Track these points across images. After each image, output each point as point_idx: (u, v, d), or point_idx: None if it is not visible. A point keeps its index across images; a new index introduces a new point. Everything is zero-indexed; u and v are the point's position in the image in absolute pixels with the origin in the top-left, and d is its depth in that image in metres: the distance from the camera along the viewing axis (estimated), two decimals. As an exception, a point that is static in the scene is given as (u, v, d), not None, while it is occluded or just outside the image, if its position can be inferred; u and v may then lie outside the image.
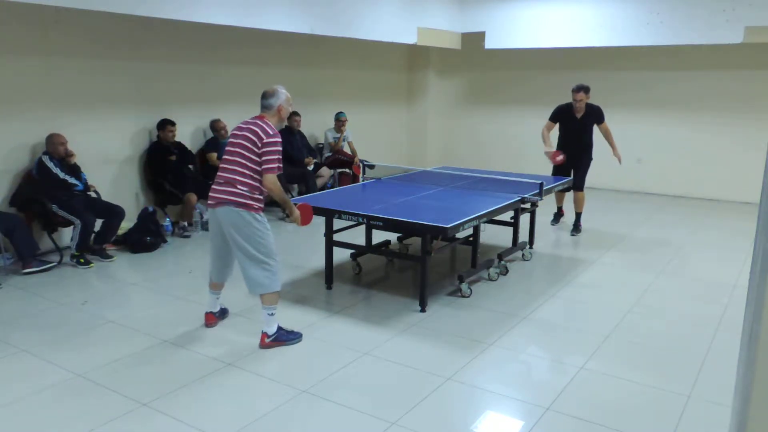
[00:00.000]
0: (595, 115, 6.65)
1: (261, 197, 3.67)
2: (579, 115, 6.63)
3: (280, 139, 3.64)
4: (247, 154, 3.60)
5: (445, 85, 10.84)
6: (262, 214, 3.68)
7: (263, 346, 3.73)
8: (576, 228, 6.84)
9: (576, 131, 6.70)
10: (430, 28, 8.65)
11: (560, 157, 6.47)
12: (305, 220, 3.98)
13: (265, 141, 3.57)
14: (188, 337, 3.87)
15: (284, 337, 3.79)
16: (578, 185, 6.65)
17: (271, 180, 3.61)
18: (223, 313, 4.19)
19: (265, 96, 3.75)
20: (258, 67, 7.73)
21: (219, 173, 3.71)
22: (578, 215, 6.87)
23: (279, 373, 3.42)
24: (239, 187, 3.60)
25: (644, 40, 7.97)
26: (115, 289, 4.92)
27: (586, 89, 6.54)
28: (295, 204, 3.95)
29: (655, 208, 8.15)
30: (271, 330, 3.75)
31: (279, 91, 3.74)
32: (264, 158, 3.58)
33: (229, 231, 3.67)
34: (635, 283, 5.01)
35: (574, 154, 6.69)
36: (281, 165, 3.65)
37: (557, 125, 6.80)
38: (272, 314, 3.74)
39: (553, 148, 6.61)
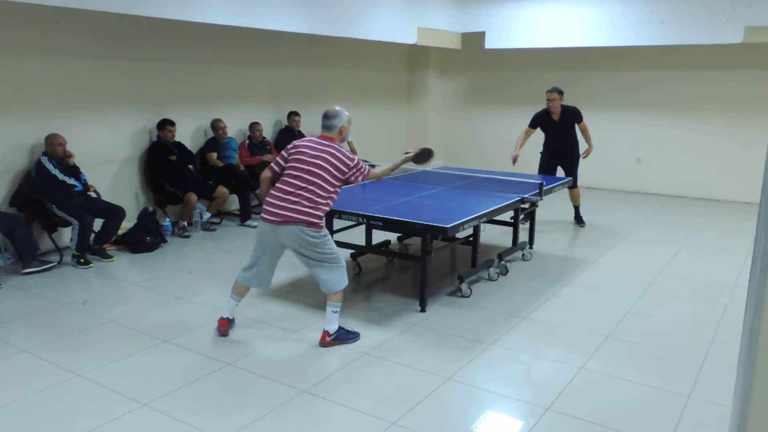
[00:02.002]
0: (572, 116, 6.86)
1: (325, 214, 3.70)
2: (556, 118, 6.83)
3: (356, 157, 3.76)
4: (328, 177, 3.62)
5: (445, 85, 10.84)
6: (324, 227, 3.69)
7: (324, 344, 3.73)
8: (580, 220, 7.09)
9: (557, 133, 6.92)
10: (430, 28, 8.65)
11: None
12: (420, 160, 4.13)
13: (351, 166, 3.70)
14: (188, 337, 3.87)
15: (344, 336, 3.79)
16: (572, 182, 6.79)
17: (373, 174, 3.88)
18: (233, 322, 4.02)
19: (328, 116, 3.78)
20: (258, 67, 7.73)
21: (287, 188, 3.61)
22: (577, 208, 7.12)
23: (279, 373, 3.42)
24: (308, 206, 3.57)
25: (644, 40, 7.97)
26: (115, 289, 4.92)
27: (559, 91, 6.75)
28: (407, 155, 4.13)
29: (655, 208, 8.15)
30: (333, 328, 3.75)
31: (341, 112, 3.79)
32: (356, 176, 3.74)
33: (295, 248, 3.66)
34: (635, 283, 5.01)
35: (560, 155, 6.94)
36: (365, 165, 3.82)
37: (540, 132, 7.01)
38: (336, 312, 3.75)
39: (517, 152, 6.88)
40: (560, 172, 7.02)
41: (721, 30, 7.40)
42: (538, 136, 7.07)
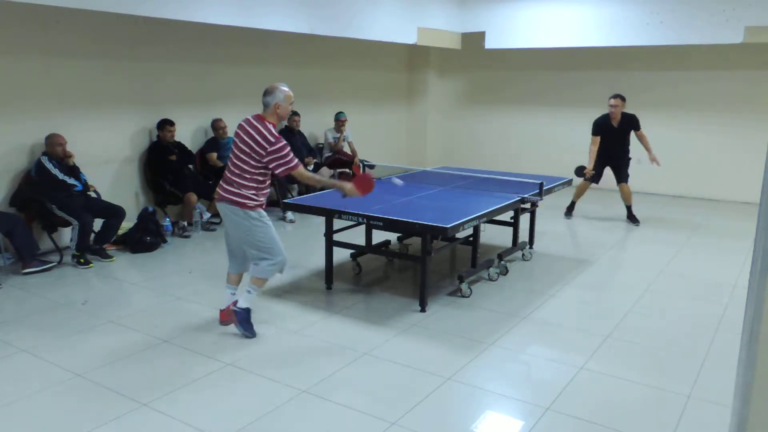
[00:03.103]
0: (631, 123, 7.04)
1: (255, 195, 3.72)
2: (616, 124, 6.98)
3: (283, 141, 3.66)
4: (245, 158, 3.67)
5: (445, 85, 10.83)
6: (258, 210, 3.74)
7: (225, 312, 3.90)
8: (633, 219, 7.20)
9: (614, 140, 7.05)
10: (430, 28, 8.65)
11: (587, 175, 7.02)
12: (364, 189, 4.01)
13: (269, 150, 3.61)
14: (188, 337, 3.87)
15: (242, 320, 3.81)
16: (624, 179, 7.10)
17: (300, 175, 3.78)
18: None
19: (265, 93, 3.77)
20: (258, 66, 7.73)
21: (226, 171, 3.83)
22: (629, 208, 7.25)
23: (279, 373, 3.42)
24: (235, 186, 3.72)
25: (644, 40, 7.97)
26: (115, 289, 4.92)
27: (622, 97, 6.91)
28: (352, 177, 4.06)
29: (655, 208, 8.15)
30: (242, 304, 3.82)
31: (277, 89, 3.72)
32: (275, 164, 3.65)
33: (229, 227, 3.85)
34: (635, 283, 5.01)
35: (613, 159, 7.11)
36: (293, 158, 3.70)
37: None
38: (251, 292, 3.83)
39: (591, 167, 7.01)
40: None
41: (721, 30, 7.40)
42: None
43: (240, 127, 3.76)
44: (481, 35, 9.12)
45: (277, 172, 3.69)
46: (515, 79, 10.08)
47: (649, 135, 9.00)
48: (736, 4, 7.26)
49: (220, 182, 3.83)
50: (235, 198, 3.70)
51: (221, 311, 4.02)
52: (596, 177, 7.11)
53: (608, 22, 8.16)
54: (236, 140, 3.76)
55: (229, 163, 3.78)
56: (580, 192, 7.38)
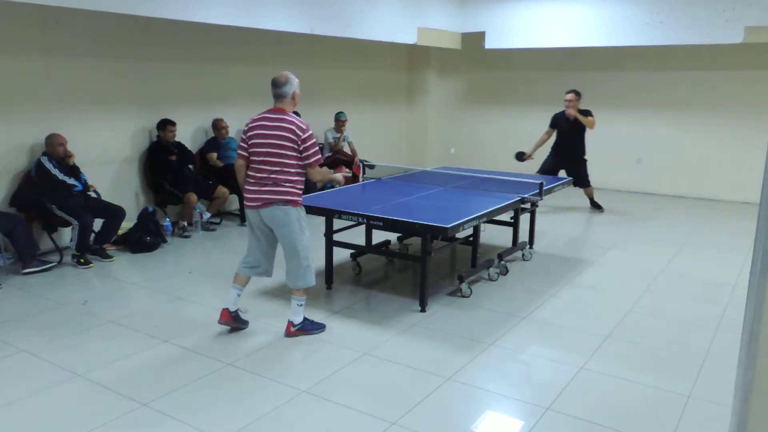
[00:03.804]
0: (584, 115, 7.26)
1: (301, 191, 3.71)
2: (571, 119, 7.19)
3: (312, 131, 3.66)
4: (285, 152, 3.57)
5: (445, 85, 10.83)
6: (302, 207, 3.74)
7: (289, 334, 3.81)
8: (597, 206, 7.66)
9: (569, 134, 7.27)
10: (430, 28, 8.65)
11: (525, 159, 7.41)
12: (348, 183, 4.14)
13: (303, 137, 3.56)
14: (188, 337, 3.87)
15: (309, 326, 3.86)
16: (585, 184, 7.42)
17: (317, 172, 3.68)
18: (237, 318, 3.93)
19: (278, 84, 3.65)
20: (258, 66, 7.72)
21: (257, 173, 3.63)
22: (591, 199, 7.67)
23: (279, 373, 3.42)
24: (285, 185, 3.60)
25: (644, 40, 7.97)
26: (115, 289, 4.92)
27: (577, 92, 7.12)
28: (352, 177, 4.15)
29: (655, 208, 8.15)
30: (298, 319, 3.83)
31: (291, 78, 3.68)
32: (305, 154, 3.59)
33: (279, 229, 3.69)
34: (635, 283, 5.01)
35: (567, 158, 7.31)
36: (319, 151, 3.69)
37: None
38: (301, 305, 3.82)
39: (532, 153, 7.45)
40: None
41: (721, 30, 7.40)
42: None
43: (262, 126, 3.62)
44: (481, 35, 9.12)
45: (306, 162, 3.60)
46: (515, 79, 10.08)
47: (649, 135, 9.06)
48: (736, 4, 7.26)
49: (254, 188, 3.63)
50: (286, 197, 3.58)
51: (223, 310, 3.89)
52: (551, 171, 7.26)
53: (608, 22, 8.16)
54: (262, 140, 3.59)
55: (261, 165, 3.60)
56: (589, 193, 7.73)
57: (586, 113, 7.29)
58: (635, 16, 7.96)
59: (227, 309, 3.89)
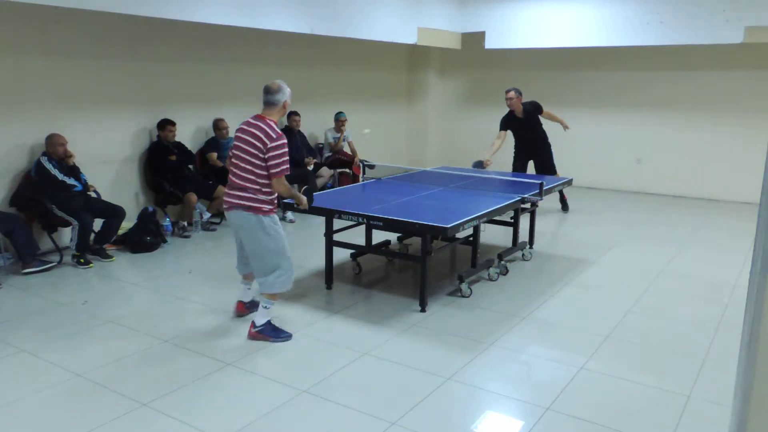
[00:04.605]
0: (533, 110, 7.24)
1: (268, 199, 3.69)
2: (520, 116, 7.18)
3: (284, 140, 3.64)
4: (251, 159, 3.60)
5: (445, 85, 10.83)
6: (272, 216, 3.72)
7: (250, 335, 3.80)
8: (564, 205, 7.60)
9: (525, 130, 7.25)
10: (430, 28, 8.65)
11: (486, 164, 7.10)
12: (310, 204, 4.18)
13: (270, 146, 3.56)
14: (188, 337, 3.87)
15: (269, 333, 3.80)
16: (552, 171, 7.27)
17: (280, 183, 3.64)
18: (252, 304, 4.17)
19: (270, 91, 3.70)
20: (258, 66, 7.73)
21: (230, 176, 3.75)
22: (561, 192, 7.50)
23: (279, 373, 3.42)
24: (247, 192, 3.65)
25: (644, 40, 7.97)
26: (115, 289, 4.92)
27: (517, 90, 7.15)
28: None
29: (655, 208, 8.15)
30: (260, 321, 3.79)
31: (283, 87, 3.72)
32: (270, 163, 3.58)
33: (239, 232, 3.81)
34: (635, 283, 5.01)
35: (533, 151, 7.32)
36: (288, 166, 3.65)
37: (510, 134, 7.35)
38: (267, 308, 3.80)
39: (488, 157, 7.01)
40: (531, 168, 7.37)
41: (721, 30, 7.40)
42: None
43: (241, 130, 3.71)
44: (481, 35, 9.12)
45: (269, 172, 3.60)
46: (515, 79, 10.02)
47: (649, 135, 9.06)
48: (736, 4, 7.25)
49: (227, 190, 3.77)
50: (248, 203, 3.64)
51: (238, 303, 4.18)
52: (522, 168, 7.32)
53: (608, 22, 8.16)
54: (238, 143, 3.68)
55: (235, 169, 3.69)
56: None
57: (535, 107, 7.22)
58: (635, 16, 7.96)
59: (241, 301, 4.16)
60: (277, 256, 3.73)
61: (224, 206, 3.80)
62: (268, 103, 3.71)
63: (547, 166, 7.27)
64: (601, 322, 4.20)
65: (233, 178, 3.71)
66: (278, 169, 3.60)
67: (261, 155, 3.58)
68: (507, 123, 7.27)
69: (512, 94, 7.11)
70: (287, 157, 3.64)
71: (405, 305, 4.45)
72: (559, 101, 8.85)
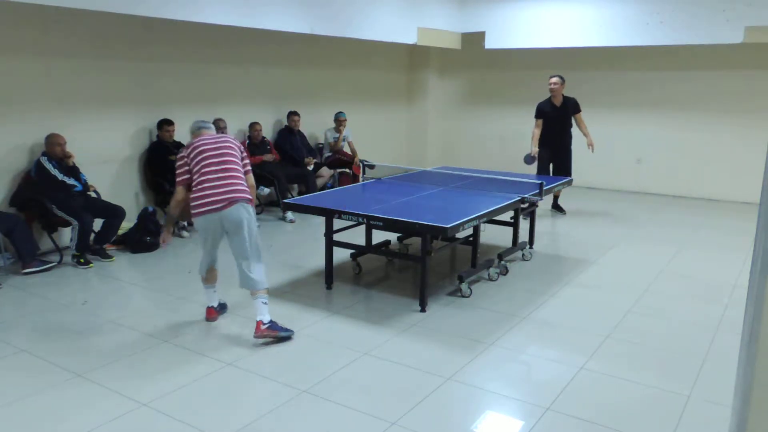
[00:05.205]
0: (572, 105, 7.16)
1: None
2: (557, 104, 7.10)
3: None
4: (237, 160, 3.94)
5: (445, 85, 10.84)
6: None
7: (259, 334, 3.75)
8: (559, 209, 7.48)
9: (556, 122, 7.13)
10: (430, 28, 8.65)
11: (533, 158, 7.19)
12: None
13: (243, 149, 4.06)
14: (188, 337, 3.87)
15: (278, 327, 3.81)
16: (567, 175, 7.13)
17: (251, 179, 4.03)
18: (222, 307, 4.27)
19: (219, 128, 4.20)
20: (258, 67, 7.73)
21: (216, 179, 3.79)
22: (556, 198, 7.50)
23: (279, 373, 3.42)
24: (243, 185, 3.87)
25: (644, 40, 7.97)
26: (115, 289, 4.92)
27: (562, 78, 7.03)
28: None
29: (655, 208, 8.15)
30: (267, 318, 3.79)
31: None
32: (245, 161, 4.00)
33: (241, 228, 3.78)
34: (635, 283, 5.01)
35: (556, 150, 7.17)
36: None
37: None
38: (266, 303, 3.81)
39: (536, 149, 7.16)
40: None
41: (721, 30, 7.40)
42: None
43: (214, 141, 3.94)
44: (481, 35, 9.12)
45: (248, 168, 4.00)
46: (515, 79, 10.08)
47: (649, 135, 9.06)
48: (736, 4, 7.26)
49: (218, 191, 3.76)
50: (246, 195, 3.85)
51: (207, 309, 4.17)
52: (543, 167, 7.20)
53: (608, 22, 8.16)
54: (218, 151, 3.88)
55: (222, 172, 3.81)
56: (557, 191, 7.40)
57: (575, 104, 7.15)
58: (635, 16, 7.96)
59: (211, 307, 4.19)
60: (262, 249, 3.98)
61: (220, 205, 3.73)
62: (210, 129, 4.14)
63: (565, 168, 7.19)
64: (601, 322, 4.20)
65: (226, 177, 3.81)
66: (250, 167, 4.06)
67: (241, 156, 3.99)
68: (542, 110, 7.19)
69: (556, 79, 7.05)
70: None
71: (405, 305, 4.45)
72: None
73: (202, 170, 3.82)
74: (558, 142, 7.18)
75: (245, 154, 4.05)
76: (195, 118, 6.89)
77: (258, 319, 3.76)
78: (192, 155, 3.87)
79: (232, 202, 3.76)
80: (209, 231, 3.87)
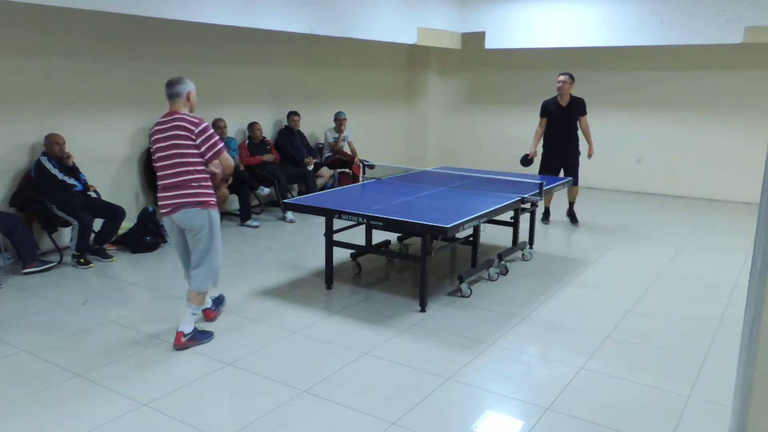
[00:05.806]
0: (578, 106, 6.88)
1: (211, 192, 3.64)
2: (564, 104, 6.82)
3: (207, 123, 3.62)
4: (182, 151, 3.51)
5: (445, 85, 10.84)
6: (217, 210, 3.70)
7: (179, 345, 3.67)
8: (574, 218, 7.15)
9: (561, 122, 6.86)
10: (430, 28, 8.65)
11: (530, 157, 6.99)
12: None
13: (197, 131, 3.51)
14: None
15: (199, 336, 3.75)
16: (575, 182, 6.83)
17: (225, 159, 3.61)
18: (219, 301, 4.22)
19: (171, 84, 3.65)
20: (258, 67, 7.73)
21: (165, 177, 3.58)
22: (572, 204, 7.19)
23: (279, 373, 3.42)
24: (188, 188, 3.55)
25: (644, 40, 7.97)
26: (115, 289, 4.92)
27: (571, 75, 6.78)
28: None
29: (655, 208, 8.15)
30: (188, 329, 3.71)
31: (184, 78, 3.70)
32: (205, 147, 3.54)
33: (189, 231, 3.64)
34: (635, 283, 5.01)
35: (563, 151, 6.89)
36: (223, 144, 3.64)
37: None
38: (195, 314, 3.75)
39: (534, 150, 6.97)
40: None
41: (721, 30, 7.40)
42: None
43: (158, 131, 3.59)
44: (481, 35, 9.12)
45: (207, 156, 3.54)
46: (515, 79, 10.08)
47: (649, 135, 9.06)
48: (736, 4, 7.26)
49: (163, 194, 3.60)
50: (195, 199, 3.55)
51: (203, 311, 4.05)
52: (554, 173, 6.88)
53: (608, 22, 8.16)
54: (160, 144, 3.55)
55: (165, 171, 3.56)
56: (548, 197, 7.12)
57: (581, 105, 6.88)
58: (635, 16, 7.95)
59: (207, 308, 4.08)
60: (219, 254, 3.72)
61: (164, 210, 3.59)
62: (172, 96, 3.64)
63: (571, 171, 6.87)
64: (601, 322, 4.20)
65: (166, 180, 3.57)
66: (216, 149, 3.56)
67: (192, 144, 3.50)
68: (547, 108, 6.90)
69: (564, 77, 6.74)
70: (218, 136, 3.63)
71: (405, 305, 4.45)
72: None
73: (156, 164, 3.60)
74: (563, 144, 6.87)
75: (207, 134, 3.53)
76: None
77: (179, 330, 3.69)
78: (151, 141, 3.63)
79: (176, 207, 3.56)
80: (173, 232, 3.75)
